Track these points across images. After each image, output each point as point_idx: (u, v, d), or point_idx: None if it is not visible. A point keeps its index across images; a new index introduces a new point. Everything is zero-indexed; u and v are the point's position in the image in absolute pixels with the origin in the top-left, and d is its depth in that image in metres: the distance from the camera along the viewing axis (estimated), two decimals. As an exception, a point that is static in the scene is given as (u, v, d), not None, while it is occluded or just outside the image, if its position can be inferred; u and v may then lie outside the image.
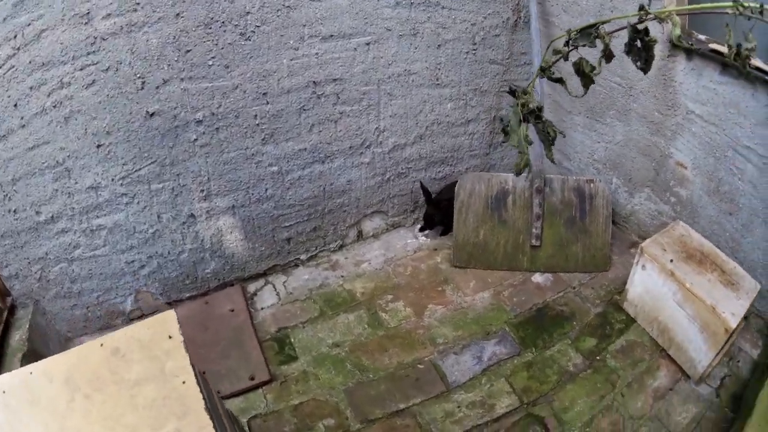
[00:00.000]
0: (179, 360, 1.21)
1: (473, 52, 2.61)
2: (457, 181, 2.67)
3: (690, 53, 2.10)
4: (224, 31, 2.03)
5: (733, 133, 2.05)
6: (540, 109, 1.71)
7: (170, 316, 1.29)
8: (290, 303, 2.52)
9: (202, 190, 2.33)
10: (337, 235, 2.79)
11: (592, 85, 1.55)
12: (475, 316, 2.39)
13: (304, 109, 2.35)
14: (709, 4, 1.38)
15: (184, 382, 1.18)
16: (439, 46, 2.52)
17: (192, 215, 2.36)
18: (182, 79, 2.05)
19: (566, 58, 1.53)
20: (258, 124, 2.29)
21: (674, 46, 2.14)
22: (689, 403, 1.93)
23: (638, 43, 1.41)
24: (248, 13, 2.04)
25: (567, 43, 1.52)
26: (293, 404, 2.06)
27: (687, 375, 2.03)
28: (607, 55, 1.46)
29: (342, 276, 2.65)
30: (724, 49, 1.85)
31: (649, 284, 2.17)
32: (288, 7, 2.10)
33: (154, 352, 1.23)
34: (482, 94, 2.75)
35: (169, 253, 2.39)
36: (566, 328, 2.29)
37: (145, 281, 2.41)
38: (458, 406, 2.02)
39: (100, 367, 1.20)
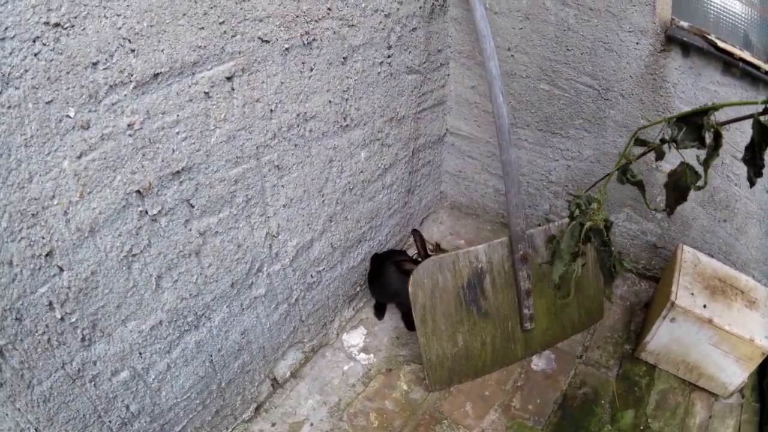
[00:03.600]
0: None
1: (388, 61, 1.66)
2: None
3: (687, 49, 1.66)
4: None
5: (732, 138, 1.73)
6: (609, 226, 1.31)
7: None
8: None
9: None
10: (248, 400, 1.72)
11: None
12: (502, 452, 1.70)
13: (133, 255, 1.17)
14: None
15: None
16: (345, 59, 1.51)
17: None
18: None
19: (660, 157, 1.23)
20: (63, 318, 1.07)
21: (669, 39, 1.64)
22: (727, 418, 1.83)
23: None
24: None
25: (665, 141, 1.19)
26: None
27: (715, 394, 1.91)
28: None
29: (284, 462, 1.65)
30: (728, 47, 1.60)
31: (680, 334, 1.84)
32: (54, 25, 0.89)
33: None
34: (399, 123, 1.83)
35: None
36: (598, 413, 1.82)
37: None
38: None
39: None
